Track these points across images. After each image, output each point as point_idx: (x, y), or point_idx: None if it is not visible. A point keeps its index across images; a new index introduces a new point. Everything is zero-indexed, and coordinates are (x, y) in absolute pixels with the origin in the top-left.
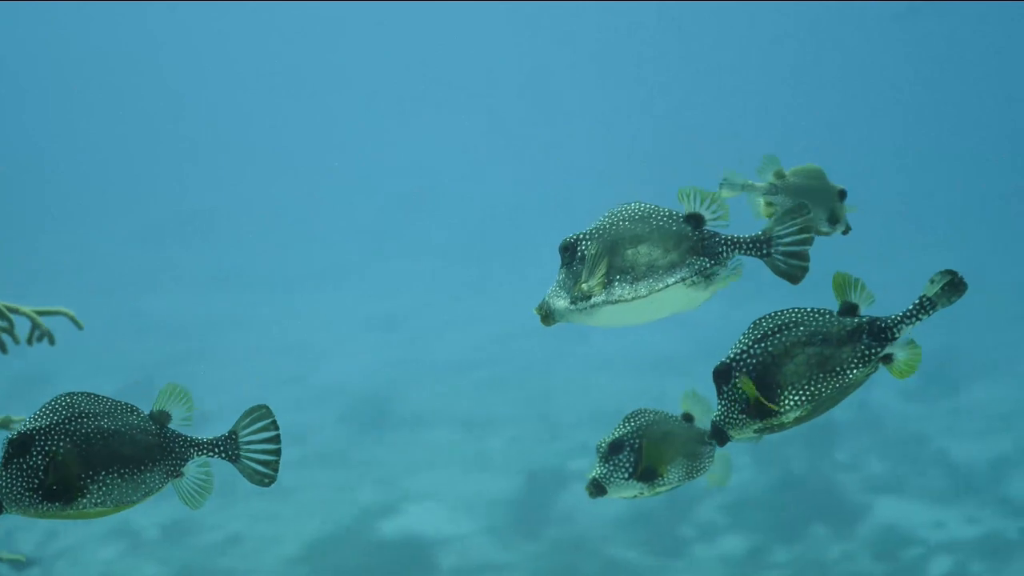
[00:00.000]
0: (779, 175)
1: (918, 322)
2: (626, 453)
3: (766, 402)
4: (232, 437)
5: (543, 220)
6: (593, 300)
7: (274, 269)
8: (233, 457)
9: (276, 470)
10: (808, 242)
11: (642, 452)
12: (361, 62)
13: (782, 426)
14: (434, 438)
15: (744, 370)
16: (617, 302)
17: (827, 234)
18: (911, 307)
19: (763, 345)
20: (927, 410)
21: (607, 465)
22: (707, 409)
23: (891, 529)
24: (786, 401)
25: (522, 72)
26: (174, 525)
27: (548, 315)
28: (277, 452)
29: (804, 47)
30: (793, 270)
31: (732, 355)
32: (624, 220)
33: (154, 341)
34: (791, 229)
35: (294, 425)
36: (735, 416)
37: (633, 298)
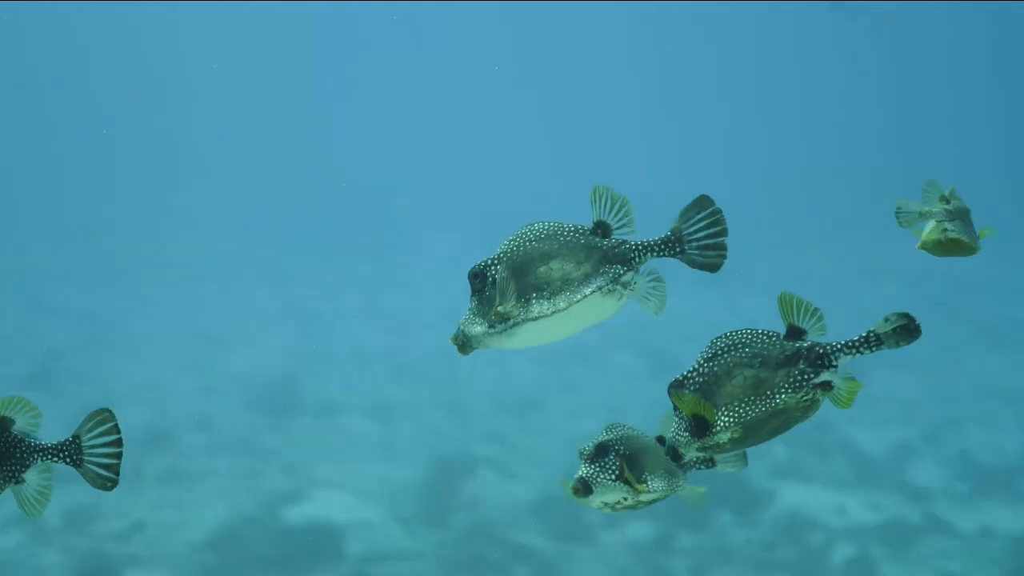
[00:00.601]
0: (945, 199)
1: (859, 355)
2: (612, 457)
3: (701, 421)
4: (75, 441)
5: (442, 212)
6: (512, 320)
7: (181, 259)
8: (76, 462)
9: (117, 473)
10: (721, 234)
11: (627, 458)
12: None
13: (720, 447)
14: (341, 425)
15: (692, 387)
16: (537, 318)
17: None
18: (856, 338)
19: (711, 364)
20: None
21: (593, 467)
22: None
23: (795, 515)
24: (720, 421)
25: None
26: (77, 512)
27: (465, 343)
28: (119, 456)
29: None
30: (711, 259)
31: (685, 372)
32: (531, 240)
33: (57, 329)
34: (701, 224)
35: (200, 412)
36: (681, 434)
37: (553, 312)
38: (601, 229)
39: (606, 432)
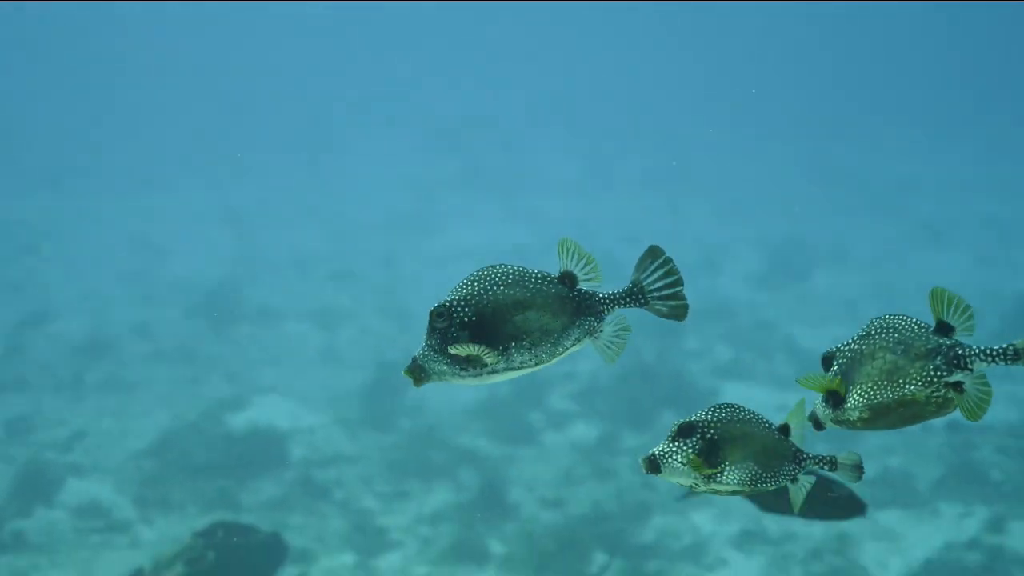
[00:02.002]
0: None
1: (994, 364)
2: (694, 440)
3: (836, 395)
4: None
5: (389, 114)
6: (491, 368)
7: (118, 167)
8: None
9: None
10: (677, 283)
11: (713, 444)
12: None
13: (852, 424)
14: (283, 332)
15: (841, 359)
16: (520, 368)
17: None
18: (997, 348)
19: (862, 341)
20: (774, 298)
21: (671, 445)
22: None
23: None
24: (851, 398)
25: None
26: (16, 422)
27: (422, 379)
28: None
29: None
30: (675, 311)
31: (839, 344)
32: (499, 285)
33: None
34: (657, 273)
35: (140, 320)
36: (822, 404)
37: (536, 364)
38: (568, 279)
39: (710, 411)
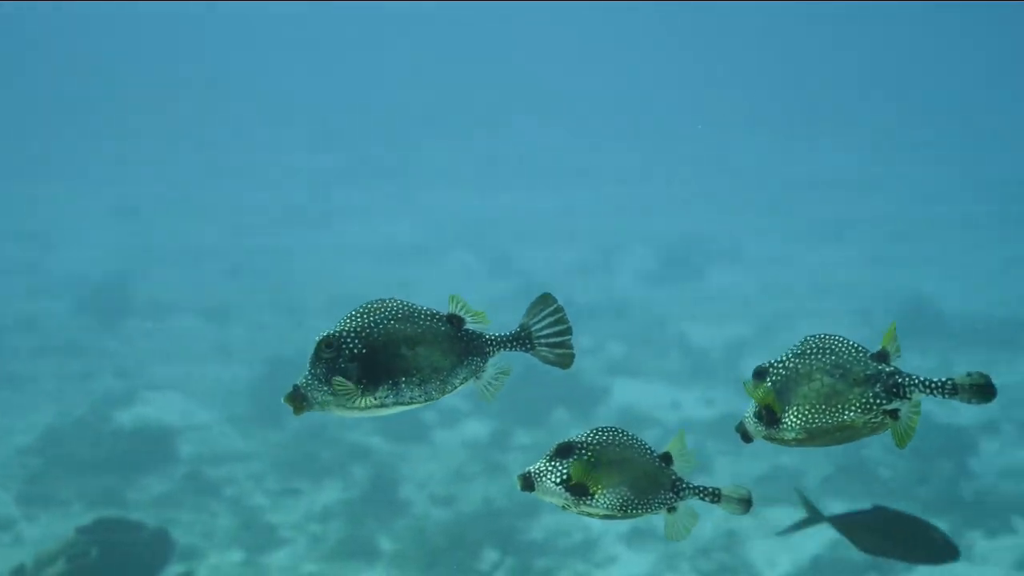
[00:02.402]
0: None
1: (931, 395)
2: (571, 461)
3: (772, 413)
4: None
5: (279, 105)
6: (380, 402)
7: (7, 157)
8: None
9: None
10: (566, 332)
11: (575, 468)
12: None
13: (784, 442)
14: (174, 326)
15: (775, 377)
16: (409, 404)
17: None
18: (936, 380)
19: (797, 361)
20: (668, 294)
21: (547, 464)
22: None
23: (630, 410)
24: (787, 419)
25: None
26: None
27: (305, 407)
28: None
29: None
30: (560, 358)
31: (772, 360)
32: (389, 319)
33: None
34: (547, 320)
35: (26, 313)
36: (753, 419)
37: (426, 401)
38: (456, 320)
39: (591, 433)
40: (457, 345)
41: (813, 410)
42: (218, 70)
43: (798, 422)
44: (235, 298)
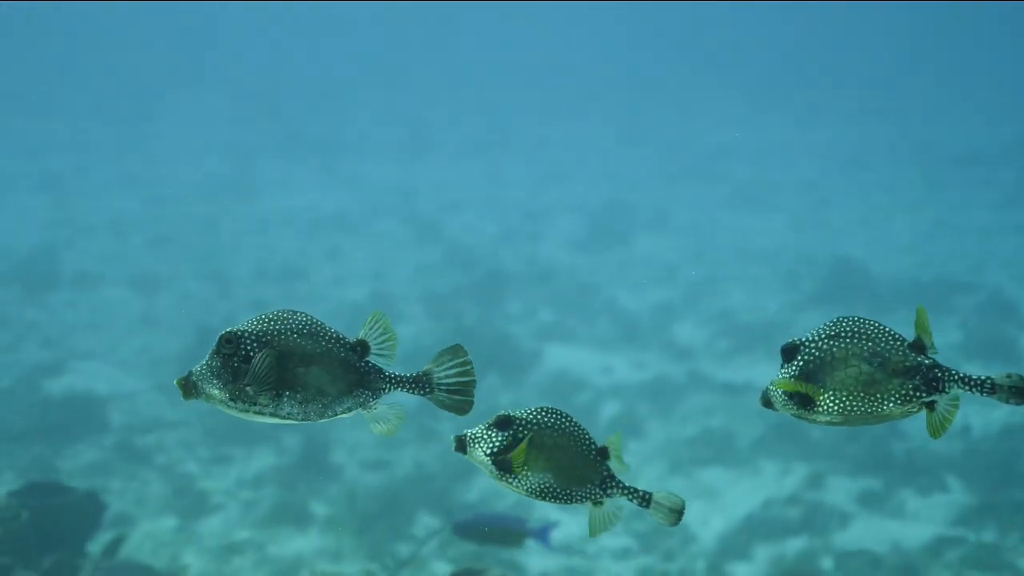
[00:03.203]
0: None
1: (969, 392)
2: (506, 435)
3: (805, 397)
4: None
5: (208, 79)
6: (259, 408)
7: None
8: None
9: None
10: (469, 385)
11: (520, 444)
12: None
13: (814, 422)
14: (101, 297)
15: (806, 356)
16: (285, 419)
17: None
18: (976, 377)
19: (832, 343)
20: (596, 261)
21: (484, 432)
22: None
23: (561, 376)
24: (823, 403)
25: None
26: None
27: (193, 394)
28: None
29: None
30: (458, 404)
31: (804, 338)
32: (293, 332)
33: None
34: (453, 369)
35: None
36: (782, 395)
37: (302, 420)
38: (361, 347)
39: (537, 412)
40: (351, 375)
41: (851, 397)
42: (142, 42)
43: (835, 407)
44: (161, 268)
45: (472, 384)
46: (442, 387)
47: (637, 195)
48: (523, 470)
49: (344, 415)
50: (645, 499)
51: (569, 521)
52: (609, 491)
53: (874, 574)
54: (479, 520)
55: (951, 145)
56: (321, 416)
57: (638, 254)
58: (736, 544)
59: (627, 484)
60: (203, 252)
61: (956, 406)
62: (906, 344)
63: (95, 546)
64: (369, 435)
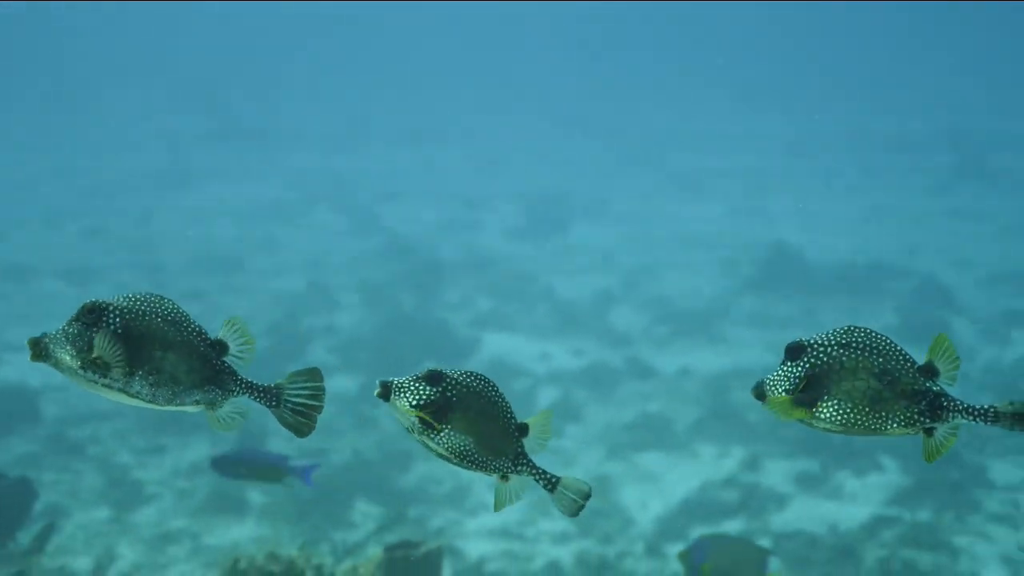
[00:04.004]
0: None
1: (972, 422)
2: (435, 390)
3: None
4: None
5: (142, 68)
6: (109, 381)
7: None
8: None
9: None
10: (315, 409)
11: (444, 404)
12: None
13: (809, 425)
14: (35, 288)
15: (813, 359)
16: (133, 397)
17: None
18: (979, 407)
19: (842, 351)
20: (534, 249)
21: (410, 383)
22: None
23: (500, 363)
24: (825, 410)
25: None
26: None
27: (42, 357)
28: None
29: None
30: (299, 425)
31: (812, 339)
32: (157, 316)
33: None
34: (303, 391)
35: None
36: (780, 389)
37: (150, 403)
38: (220, 346)
39: (469, 376)
40: (206, 370)
41: (855, 410)
42: (76, 34)
43: (838, 416)
44: (95, 259)
45: (318, 410)
46: (289, 405)
47: (575, 184)
48: (447, 429)
49: (190, 408)
50: (551, 483)
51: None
52: (519, 468)
53: (812, 554)
54: (240, 455)
55: (885, 132)
56: (169, 403)
57: (576, 242)
58: (674, 527)
59: (538, 465)
60: (138, 243)
61: (955, 435)
62: (916, 367)
63: (26, 537)
64: None
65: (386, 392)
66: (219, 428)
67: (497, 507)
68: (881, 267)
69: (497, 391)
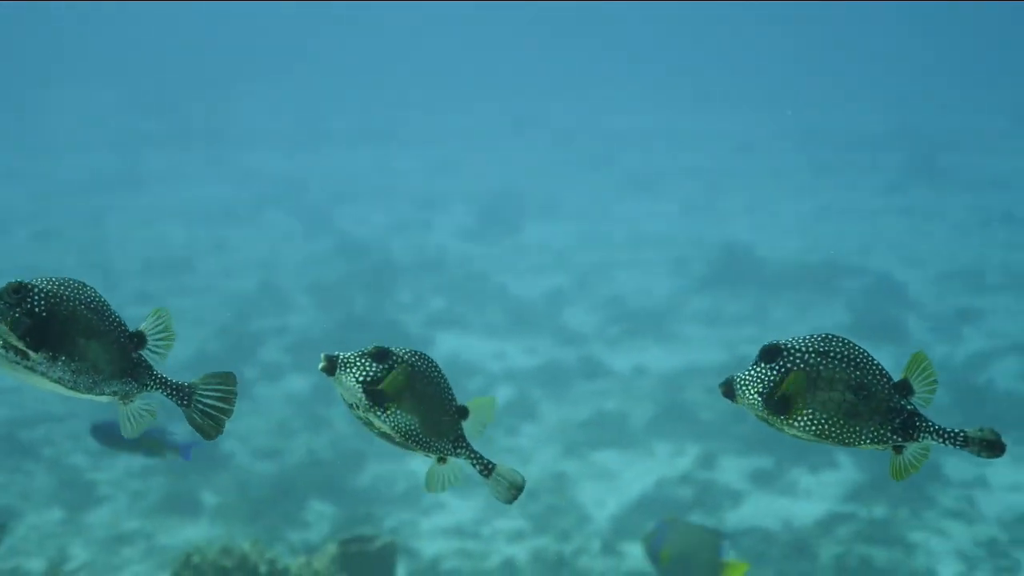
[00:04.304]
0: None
1: (941, 444)
2: (382, 367)
3: (786, 402)
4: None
5: (91, 70)
6: (31, 364)
7: None
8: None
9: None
10: (225, 412)
11: (391, 377)
12: None
13: (781, 431)
14: None
15: (790, 363)
16: (55, 382)
17: None
18: (950, 430)
19: (820, 359)
20: (487, 249)
21: (356, 358)
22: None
23: (454, 361)
24: (799, 418)
25: None
26: None
27: None
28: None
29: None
30: (206, 428)
31: (790, 343)
32: (82, 303)
33: None
34: (216, 393)
35: None
36: (753, 391)
37: (70, 390)
38: (138, 338)
39: (410, 353)
40: (124, 361)
41: (829, 422)
42: (24, 35)
43: (811, 426)
44: (45, 262)
45: (228, 414)
46: (199, 405)
47: (528, 183)
48: (394, 407)
49: (103, 399)
50: (488, 468)
51: (461, 506)
52: (458, 451)
53: (767, 551)
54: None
55: (836, 131)
56: (89, 391)
57: (529, 241)
58: (630, 524)
59: (475, 450)
60: (88, 245)
61: (926, 456)
62: (891, 383)
63: None
64: (261, 423)
65: (331, 366)
66: (127, 425)
67: (429, 488)
68: (833, 265)
69: (440, 372)
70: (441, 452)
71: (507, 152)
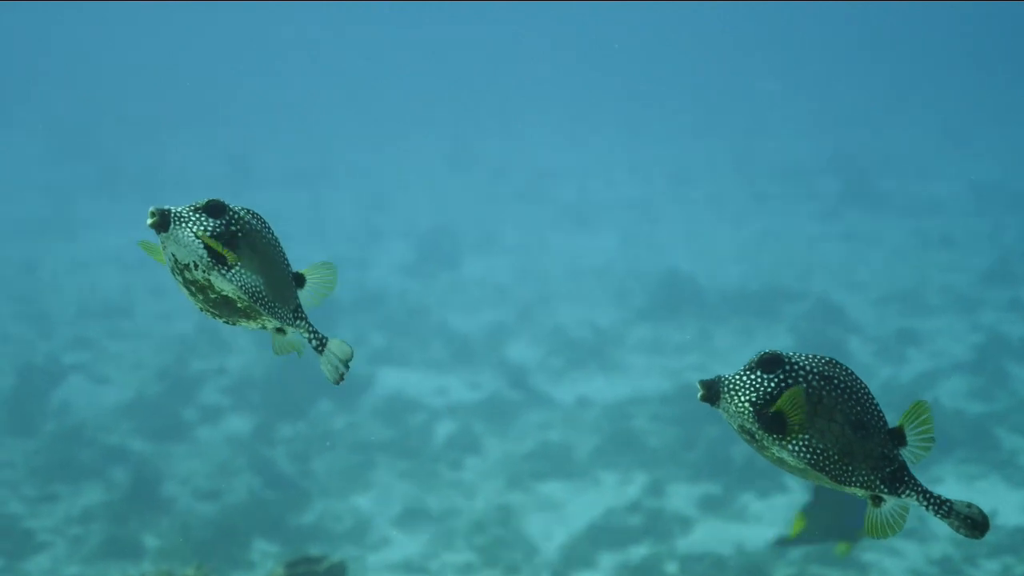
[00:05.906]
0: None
1: (922, 507)
2: (216, 222)
3: (780, 422)
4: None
5: (15, 117)
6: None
7: None
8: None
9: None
10: (346, 368)
11: (230, 237)
12: None
13: (765, 449)
14: None
15: (791, 380)
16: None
17: None
18: (935, 496)
19: (823, 384)
20: (426, 285)
21: (189, 212)
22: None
23: (395, 398)
24: (796, 441)
25: None
26: None
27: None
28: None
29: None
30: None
31: (793, 357)
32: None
33: None
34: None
35: None
36: (744, 398)
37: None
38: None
39: (253, 215)
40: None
41: (825, 456)
42: None
43: (807, 453)
44: None
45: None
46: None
47: (464, 218)
48: (237, 264)
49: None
50: (323, 343)
51: (408, 541)
52: (297, 322)
53: (720, 575)
54: None
55: (772, 158)
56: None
57: (468, 276)
58: (580, 554)
59: (310, 322)
60: (22, 293)
61: (904, 518)
62: (887, 429)
63: None
64: (203, 465)
65: (164, 221)
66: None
67: (278, 351)
68: (774, 290)
69: (274, 234)
70: (283, 320)
71: (442, 187)
